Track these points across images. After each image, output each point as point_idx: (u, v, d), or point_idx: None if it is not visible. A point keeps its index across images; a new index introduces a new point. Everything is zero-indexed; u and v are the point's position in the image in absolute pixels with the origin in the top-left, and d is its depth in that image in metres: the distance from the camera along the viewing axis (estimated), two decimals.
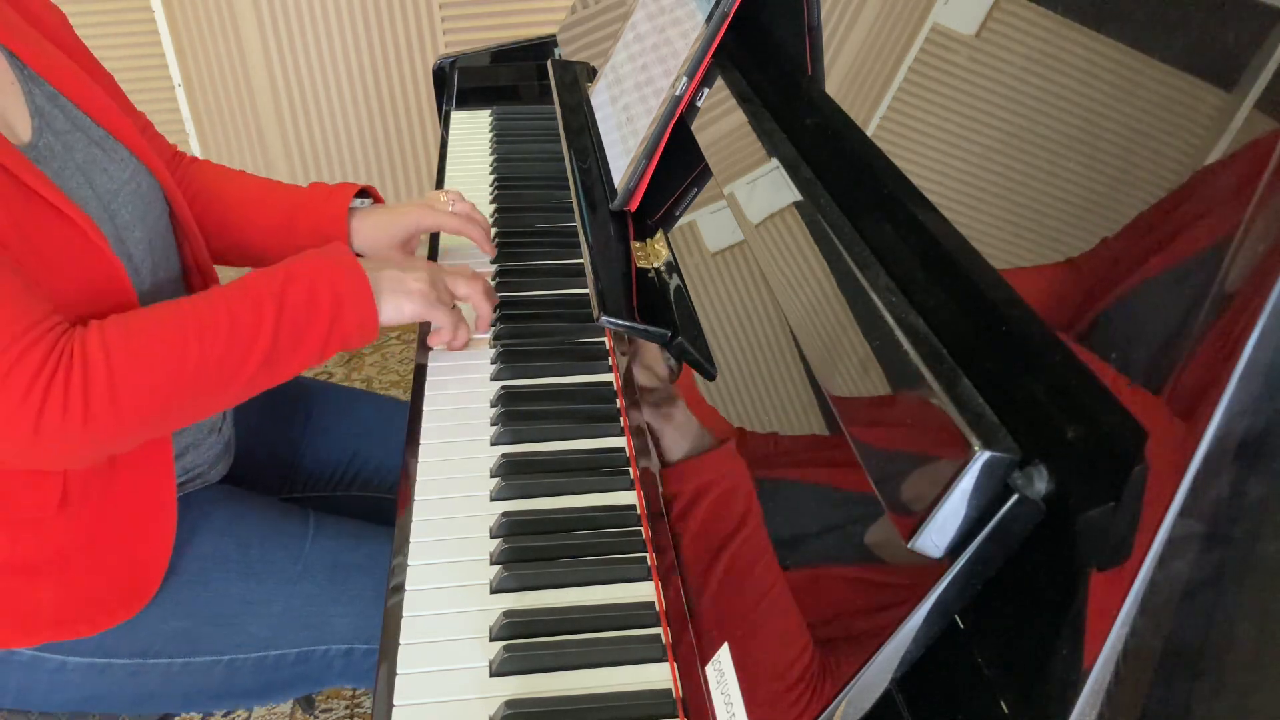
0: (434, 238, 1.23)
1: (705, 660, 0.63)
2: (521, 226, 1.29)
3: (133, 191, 0.97)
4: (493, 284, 1.17)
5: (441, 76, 1.64)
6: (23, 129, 0.89)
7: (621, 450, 0.92)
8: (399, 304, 0.94)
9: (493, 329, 1.09)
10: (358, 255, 1.15)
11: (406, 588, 0.79)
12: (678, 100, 0.93)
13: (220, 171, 1.18)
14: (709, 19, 0.90)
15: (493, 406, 0.98)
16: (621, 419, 0.96)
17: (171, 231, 1.03)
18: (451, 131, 1.56)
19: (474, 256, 1.23)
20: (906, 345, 0.53)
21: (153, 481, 0.94)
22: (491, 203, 1.36)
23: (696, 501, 0.74)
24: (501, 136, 1.54)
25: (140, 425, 0.84)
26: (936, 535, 0.46)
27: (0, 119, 0.87)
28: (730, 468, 0.70)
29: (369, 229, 1.13)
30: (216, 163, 1.19)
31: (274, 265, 0.91)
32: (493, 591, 0.79)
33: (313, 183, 1.18)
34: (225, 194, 1.15)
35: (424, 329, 1.09)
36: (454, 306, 1.01)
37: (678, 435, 0.81)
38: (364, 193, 1.19)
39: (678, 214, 0.92)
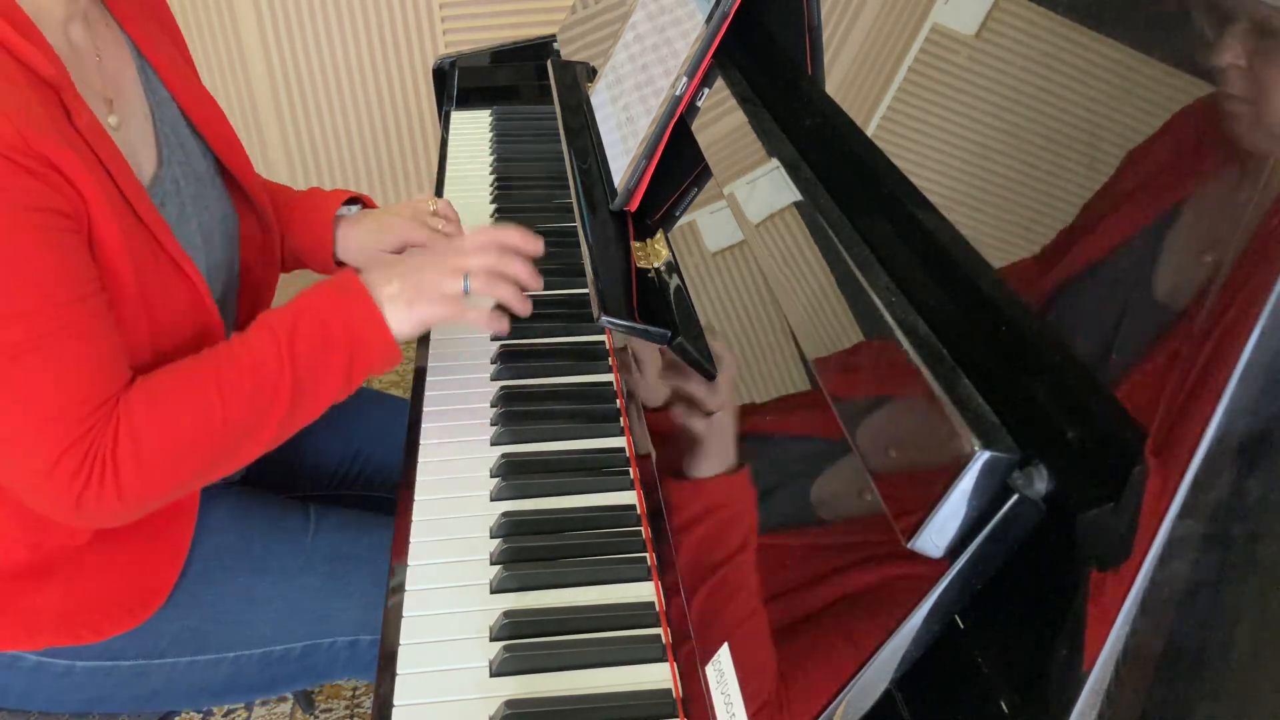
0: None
1: (705, 660, 0.63)
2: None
3: (224, 232, 0.95)
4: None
5: (441, 76, 1.64)
6: (148, 161, 0.84)
7: (621, 450, 0.92)
8: (411, 314, 0.86)
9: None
10: (342, 265, 1.14)
11: (406, 588, 0.79)
12: (678, 100, 0.93)
13: None
14: (709, 19, 0.90)
15: (493, 406, 0.98)
16: (621, 419, 0.96)
17: (237, 263, 1.02)
18: (451, 131, 1.56)
19: None
20: (906, 345, 0.53)
21: None
22: (491, 203, 1.36)
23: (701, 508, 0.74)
24: (501, 136, 1.54)
25: (176, 489, 0.85)
26: (936, 535, 0.46)
27: (131, 153, 0.82)
28: (731, 478, 0.70)
29: (355, 238, 1.12)
30: None
31: (285, 305, 0.87)
32: (493, 591, 0.79)
33: (311, 188, 1.18)
34: None
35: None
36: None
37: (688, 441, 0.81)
38: (356, 199, 1.18)
39: (678, 214, 0.92)
